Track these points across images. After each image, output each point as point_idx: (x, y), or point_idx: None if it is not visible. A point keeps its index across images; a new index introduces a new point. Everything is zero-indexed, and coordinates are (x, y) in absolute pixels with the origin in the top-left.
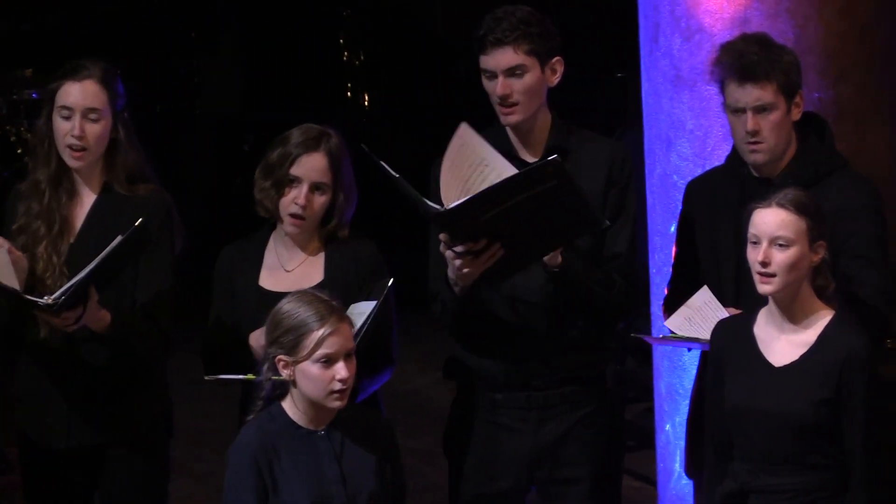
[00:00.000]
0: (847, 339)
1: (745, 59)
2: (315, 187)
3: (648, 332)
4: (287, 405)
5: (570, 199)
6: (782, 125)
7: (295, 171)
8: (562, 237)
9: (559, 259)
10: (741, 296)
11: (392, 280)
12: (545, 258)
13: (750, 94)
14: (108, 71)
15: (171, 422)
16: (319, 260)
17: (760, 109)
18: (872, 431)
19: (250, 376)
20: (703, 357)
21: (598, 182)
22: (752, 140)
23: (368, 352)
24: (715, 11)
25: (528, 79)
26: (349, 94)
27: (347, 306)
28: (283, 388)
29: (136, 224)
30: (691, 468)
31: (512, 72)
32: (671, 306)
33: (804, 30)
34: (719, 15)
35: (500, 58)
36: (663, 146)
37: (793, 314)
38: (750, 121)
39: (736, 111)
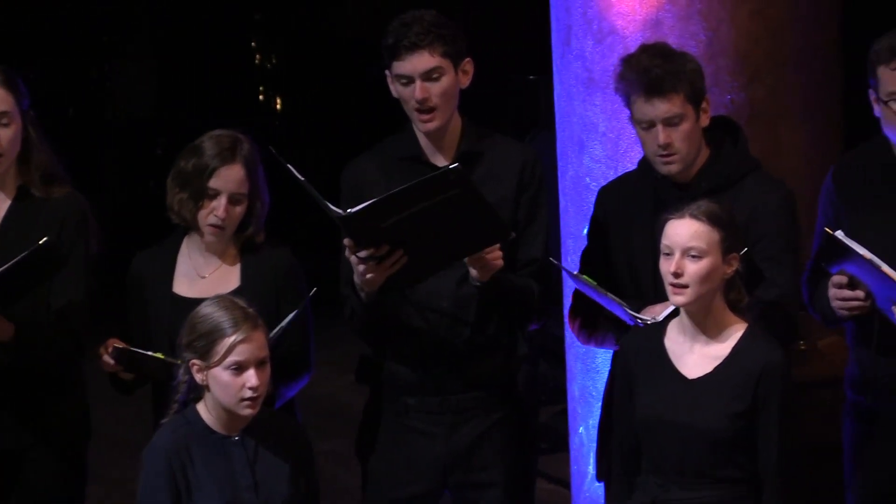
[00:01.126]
0: (762, 353)
1: (650, 73)
2: (233, 198)
3: (562, 336)
4: (202, 409)
5: (475, 207)
6: (693, 133)
7: (214, 183)
8: (468, 246)
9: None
10: (660, 301)
11: (314, 290)
12: (472, 273)
13: (658, 109)
14: (8, 72)
15: (88, 424)
16: (236, 266)
17: (670, 122)
18: (787, 445)
19: (159, 355)
20: (615, 358)
21: (510, 186)
22: (665, 153)
23: (286, 358)
24: (627, 14)
25: (445, 81)
26: (261, 97)
27: (263, 314)
28: (197, 392)
29: (40, 242)
30: (603, 471)
31: (429, 75)
32: (577, 311)
33: (717, 32)
34: (631, 17)
35: (417, 62)
36: (576, 149)
37: (706, 326)
38: (661, 134)
39: (645, 126)
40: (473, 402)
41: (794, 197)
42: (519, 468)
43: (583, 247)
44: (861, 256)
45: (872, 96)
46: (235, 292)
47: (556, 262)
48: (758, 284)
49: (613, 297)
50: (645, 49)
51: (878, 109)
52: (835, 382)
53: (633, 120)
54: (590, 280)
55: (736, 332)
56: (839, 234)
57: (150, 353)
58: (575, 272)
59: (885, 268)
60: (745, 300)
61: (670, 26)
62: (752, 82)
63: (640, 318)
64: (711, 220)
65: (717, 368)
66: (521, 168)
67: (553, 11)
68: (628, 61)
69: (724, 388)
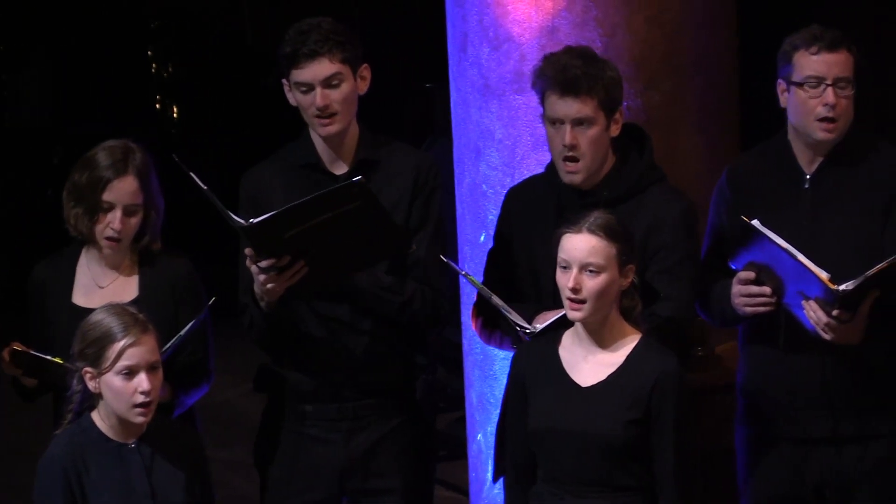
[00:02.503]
0: (657, 361)
1: (567, 72)
2: (128, 210)
3: (460, 343)
4: (96, 417)
5: (376, 219)
6: (600, 141)
7: (107, 196)
8: (369, 257)
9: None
10: (559, 306)
11: (213, 299)
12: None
13: (570, 108)
14: None
15: None
16: (134, 276)
17: (579, 123)
18: (683, 452)
19: (58, 359)
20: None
21: (404, 191)
22: (569, 154)
23: (186, 366)
24: (523, 21)
25: (345, 87)
26: (158, 105)
27: (162, 324)
28: (91, 400)
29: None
30: (498, 472)
31: (329, 82)
32: (480, 310)
33: (612, 38)
34: (527, 24)
35: (317, 69)
36: (472, 156)
37: (601, 336)
38: (568, 134)
39: (555, 123)
40: (371, 409)
41: (695, 210)
42: (417, 475)
43: (479, 254)
44: (777, 246)
45: (782, 86)
46: (134, 302)
47: (446, 259)
48: (654, 299)
49: (500, 302)
50: (569, 50)
51: (784, 99)
52: (732, 388)
53: (544, 117)
54: (476, 282)
55: (630, 341)
56: (756, 222)
57: (48, 356)
58: (464, 272)
59: (802, 258)
60: (638, 307)
61: (566, 33)
62: (649, 88)
63: (521, 326)
64: (608, 234)
65: (610, 377)
66: (416, 174)
67: (449, 19)
68: (549, 58)
69: (619, 396)
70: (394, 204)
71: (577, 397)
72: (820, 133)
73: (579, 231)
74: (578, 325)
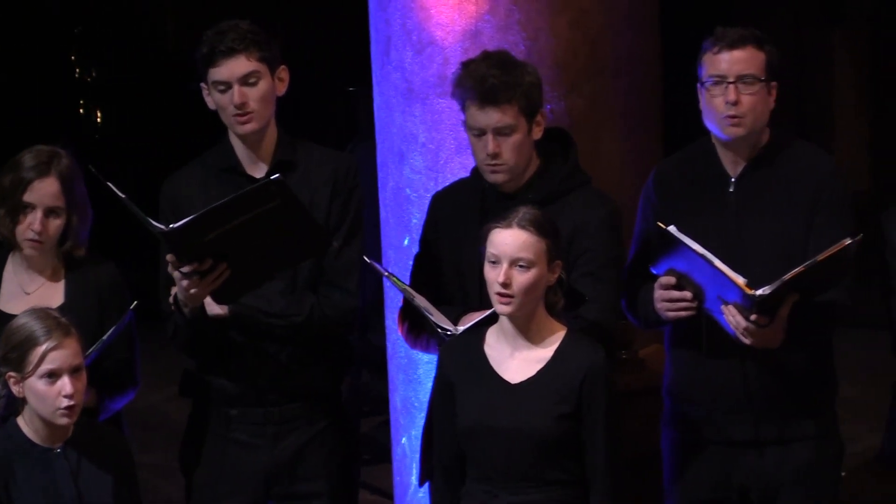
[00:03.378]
0: (585, 355)
1: (486, 82)
2: (49, 212)
3: (384, 347)
4: (22, 423)
5: (296, 218)
6: (523, 146)
7: (28, 197)
8: (290, 257)
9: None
10: (486, 308)
11: (135, 303)
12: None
13: (490, 118)
14: None
15: None
16: (60, 282)
17: (501, 132)
18: (614, 445)
19: None
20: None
21: (323, 194)
22: (493, 162)
23: (112, 371)
24: (446, 24)
25: (262, 86)
26: (81, 110)
27: (88, 329)
28: (16, 406)
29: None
30: (424, 476)
31: (246, 80)
32: (405, 315)
33: (535, 42)
34: (451, 28)
35: (235, 66)
36: (396, 159)
37: (527, 332)
38: (491, 143)
39: (477, 133)
40: (296, 413)
41: (619, 213)
42: (342, 479)
43: (403, 257)
44: (694, 252)
45: (699, 89)
46: (60, 308)
47: (370, 260)
48: (580, 302)
49: (423, 303)
50: (486, 56)
51: (701, 102)
52: (657, 391)
53: (466, 126)
54: (400, 283)
55: (557, 336)
56: (672, 228)
57: None
58: (388, 272)
59: (718, 263)
60: (560, 302)
61: (490, 37)
62: (572, 92)
63: (443, 328)
64: (538, 229)
65: (539, 372)
66: (335, 176)
67: (372, 22)
68: (467, 67)
69: (548, 391)
70: (312, 205)
71: (506, 394)
72: (726, 129)
73: (509, 226)
74: (504, 322)
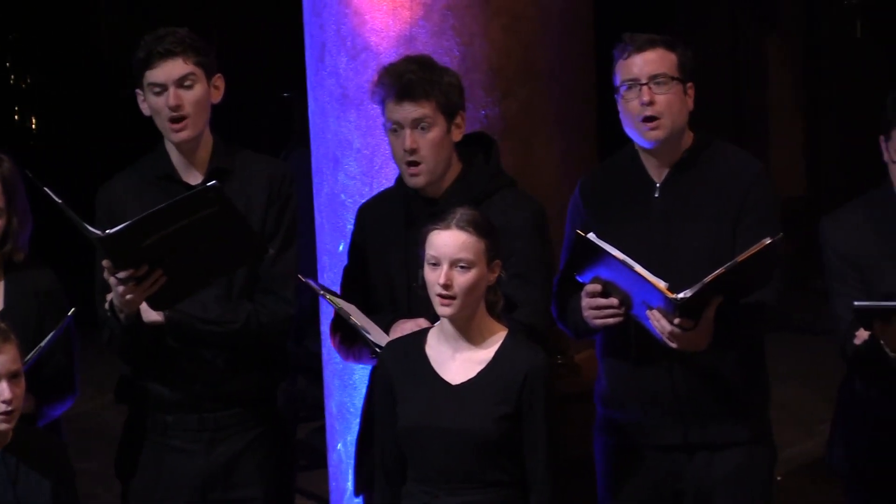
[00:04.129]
0: (525, 357)
1: (403, 78)
2: None
3: (320, 353)
4: None
5: (233, 225)
6: (441, 145)
7: None
8: (226, 264)
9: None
10: (413, 315)
11: (73, 310)
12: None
13: (408, 112)
14: None
15: None
16: None
17: (417, 125)
18: (554, 446)
19: None
20: (372, 375)
21: (259, 201)
22: (411, 159)
23: (50, 378)
24: (381, 30)
25: (198, 90)
26: (17, 117)
27: (27, 334)
28: None
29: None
30: (359, 486)
31: (182, 82)
32: (337, 326)
33: (469, 47)
34: (385, 34)
35: (171, 69)
36: (331, 165)
37: (468, 333)
38: (408, 138)
39: (395, 129)
40: (232, 419)
41: (544, 214)
42: (278, 485)
43: (338, 263)
44: (615, 259)
45: (617, 99)
46: None
47: (305, 279)
48: (511, 305)
49: (358, 322)
50: (407, 58)
51: (620, 109)
52: (591, 396)
53: (386, 126)
54: (336, 302)
55: (498, 337)
56: (591, 236)
57: None
58: (323, 291)
59: (639, 268)
60: (500, 302)
61: (424, 42)
62: (506, 97)
63: (380, 348)
64: (477, 229)
65: (480, 373)
66: (270, 183)
67: (307, 28)
68: (387, 68)
69: (489, 392)
70: (248, 211)
71: (447, 395)
72: (645, 134)
73: (448, 227)
74: (445, 323)
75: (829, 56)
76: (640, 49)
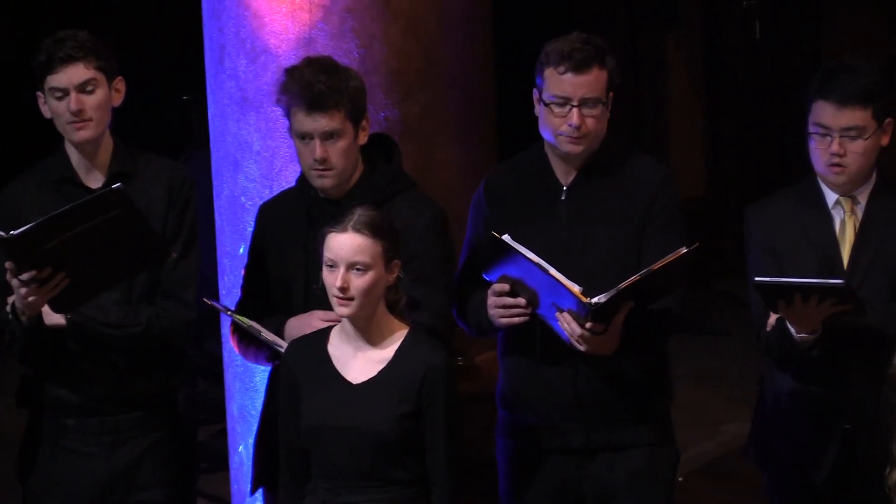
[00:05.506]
0: (425, 355)
1: (313, 88)
2: None
3: (220, 356)
4: None
5: (136, 228)
6: (350, 150)
7: None
8: (129, 267)
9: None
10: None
11: None
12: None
13: (318, 124)
14: None
15: None
16: None
17: (328, 137)
18: (454, 444)
19: None
20: (271, 377)
21: (160, 204)
22: (321, 167)
23: None
24: (280, 32)
25: (99, 94)
26: None
27: None
28: None
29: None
30: (256, 483)
31: (83, 87)
32: (239, 328)
33: (369, 49)
34: (284, 36)
35: (73, 74)
36: (231, 168)
37: (369, 333)
38: (318, 149)
39: (304, 138)
40: (132, 422)
41: (445, 216)
42: (179, 487)
43: (238, 266)
44: (528, 260)
45: (535, 95)
46: None
47: (209, 300)
48: (415, 307)
49: (269, 338)
50: (310, 62)
51: (538, 109)
52: (492, 397)
53: (292, 132)
54: (242, 320)
55: (398, 336)
56: (507, 237)
57: None
58: (230, 311)
59: (553, 271)
60: (402, 300)
61: (323, 44)
62: (406, 99)
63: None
64: (373, 231)
65: (381, 372)
66: (170, 186)
67: (206, 31)
68: (291, 74)
69: (389, 390)
70: (149, 215)
71: (348, 394)
72: (566, 146)
73: (344, 230)
74: (346, 322)
75: (729, 57)
76: (578, 69)
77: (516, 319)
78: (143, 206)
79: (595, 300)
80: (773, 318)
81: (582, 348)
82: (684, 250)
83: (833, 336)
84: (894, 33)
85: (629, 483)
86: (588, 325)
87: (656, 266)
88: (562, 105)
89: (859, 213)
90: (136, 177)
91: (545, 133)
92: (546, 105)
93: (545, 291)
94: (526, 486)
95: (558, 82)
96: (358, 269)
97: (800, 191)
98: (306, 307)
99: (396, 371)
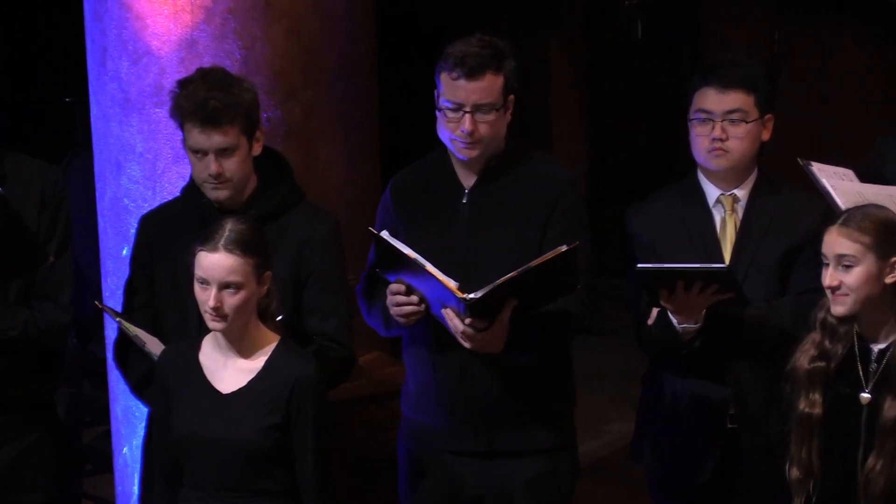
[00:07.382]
0: (295, 366)
1: (207, 105)
2: None
3: (104, 358)
4: None
5: (14, 232)
6: (244, 163)
7: None
8: (5, 272)
9: None
10: (203, 326)
11: None
12: None
13: (213, 140)
14: None
15: None
16: None
17: (223, 152)
18: (324, 455)
19: None
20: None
21: (32, 205)
22: (215, 181)
23: None
24: (162, 34)
25: None
26: None
27: None
28: None
29: None
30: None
31: None
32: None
33: (251, 51)
34: (166, 37)
35: None
36: (113, 170)
37: (240, 343)
38: (213, 164)
39: (197, 153)
40: (8, 424)
41: (339, 227)
42: (61, 489)
43: (121, 268)
44: (407, 257)
45: (436, 97)
46: None
47: (101, 305)
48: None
49: (153, 350)
50: (203, 75)
51: (439, 116)
52: (379, 397)
53: (186, 146)
54: (131, 328)
55: (269, 346)
56: (384, 234)
57: None
58: (119, 317)
59: (430, 267)
60: (273, 304)
61: (205, 45)
62: (289, 100)
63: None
64: (244, 249)
65: (250, 382)
66: (42, 188)
67: (88, 33)
68: (185, 87)
69: (258, 401)
70: (22, 217)
71: (218, 404)
72: (461, 151)
73: (215, 249)
74: (217, 332)
75: (611, 56)
76: (471, 76)
77: (412, 318)
78: (16, 208)
79: (471, 296)
80: (654, 312)
81: (467, 345)
82: (564, 248)
83: (715, 328)
84: (776, 33)
85: (528, 488)
86: (468, 321)
87: (534, 263)
88: (455, 111)
89: (740, 211)
90: (7, 177)
91: (442, 137)
92: (441, 110)
93: (430, 289)
94: (423, 488)
95: (452, 88)
96: (231, 289)
97: (681, 189)
98: (201, 319)
99: (266, 382)
